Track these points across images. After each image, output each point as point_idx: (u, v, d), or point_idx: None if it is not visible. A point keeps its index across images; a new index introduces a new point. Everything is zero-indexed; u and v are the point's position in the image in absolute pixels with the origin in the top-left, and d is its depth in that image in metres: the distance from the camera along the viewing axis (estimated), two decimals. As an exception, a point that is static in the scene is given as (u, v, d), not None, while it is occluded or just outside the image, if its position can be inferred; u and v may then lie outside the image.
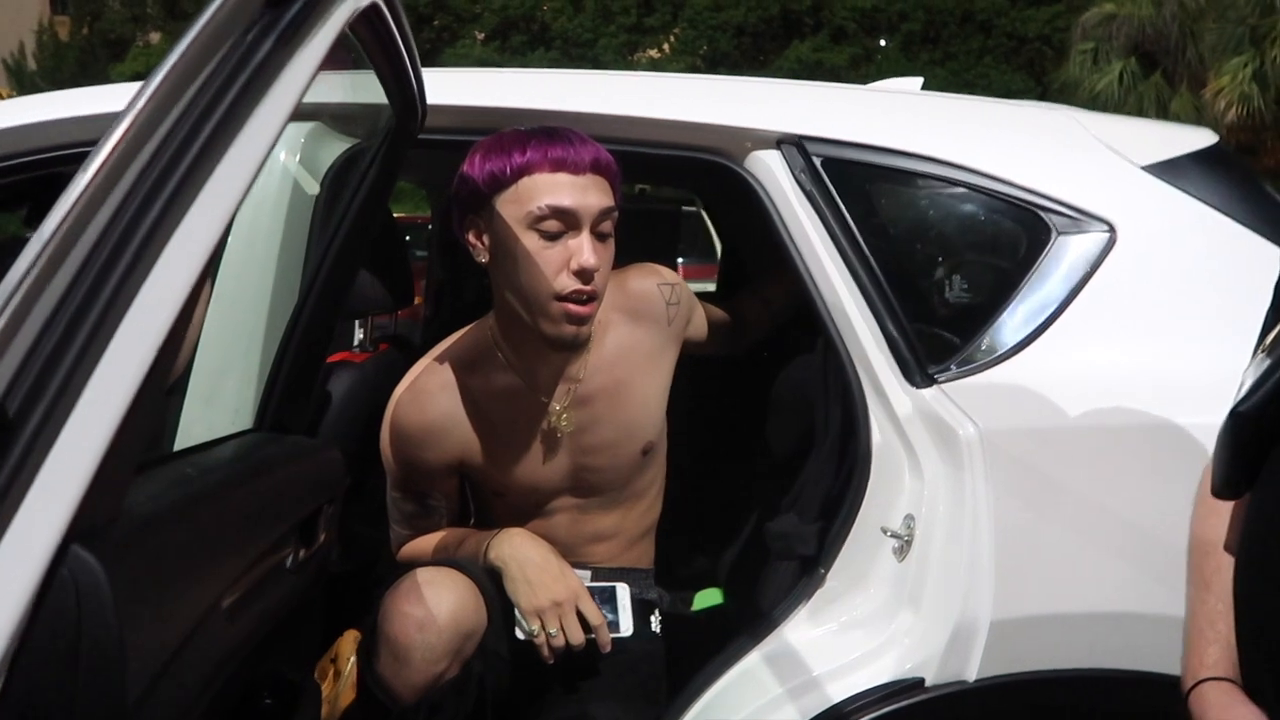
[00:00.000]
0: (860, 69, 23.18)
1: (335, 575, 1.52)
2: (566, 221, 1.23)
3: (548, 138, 1.24)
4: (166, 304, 0.59)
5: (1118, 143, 1.43)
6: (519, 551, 1.32)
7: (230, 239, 1.36)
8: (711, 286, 2.69)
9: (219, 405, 1.22)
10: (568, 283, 1.24)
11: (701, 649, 1.62)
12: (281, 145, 1.41)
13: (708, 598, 1.82)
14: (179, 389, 1.23)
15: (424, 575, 1.25)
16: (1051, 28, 23.25)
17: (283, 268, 1.41)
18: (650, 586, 1.57)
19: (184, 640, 0.67)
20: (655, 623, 1.55)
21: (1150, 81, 15.03)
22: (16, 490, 0.52)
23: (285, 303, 1.33)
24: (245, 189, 0.68)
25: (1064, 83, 15.84)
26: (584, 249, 1.23)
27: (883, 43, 25.27)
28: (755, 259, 2.42)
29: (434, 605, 1.21)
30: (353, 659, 1.62)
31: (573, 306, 1.24)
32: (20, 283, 0.58)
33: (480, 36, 25.18)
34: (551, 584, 1.30)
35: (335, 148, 1.45)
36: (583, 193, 1.23)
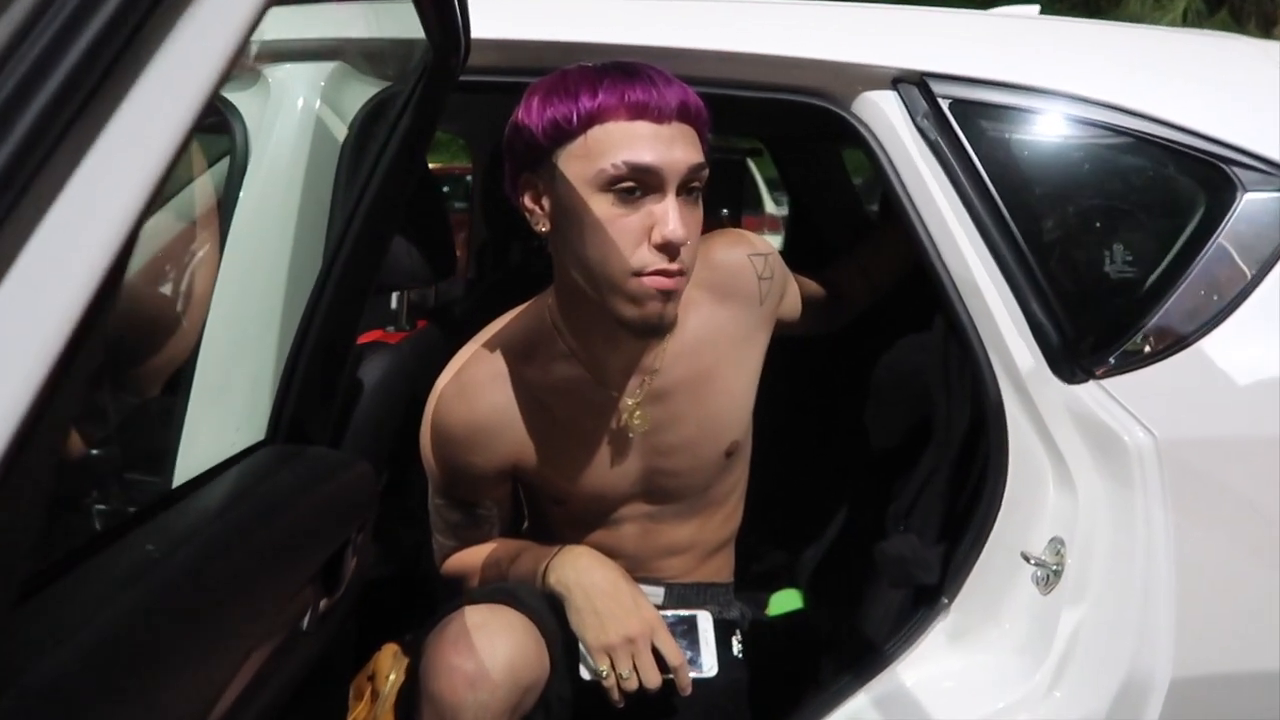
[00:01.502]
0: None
1: (372, 581, 1.34)
2: (648, 182, 0.99)
3: (624, 77, 0.99)
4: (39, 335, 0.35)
5: (1318, 79, 1.16)
6: (585, 576, 1.11)
7: (240, 203, 1.14)
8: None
9: (227, 409, 1.00)
10: (649, 258, 1.00)
11: (784, 668, 1.42)
12: (299, 88, 1.18)
13: (786, 600, 1.61)
14: (181, 387, 1.02)
15: (474, 617, 1.04)
16: (1108, -38, 22.18)
17: (303, 235, 1.19)
18: (731, 603, 1.36)
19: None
20: (736, 645, 1.34)
21: (1216, 19, 14.26)
22: None
23: (306, 278, 1.11)
24: (179, 134, 0.43)
25: (1122, 20, 15.09)
26: (669, 216, 0.98)
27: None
28: (836, 218, 2.17)
29: (487, 656, 1.00)
30: (392, 677, 1.44)
31: (657, 283, 1.01)
32: None
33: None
34: (624, 617, 1.08)
35: (361, 92, 1.22)
36: (668, 146, 0.99)
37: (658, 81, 0.99)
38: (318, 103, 1.19)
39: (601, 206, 0.99)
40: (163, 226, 1.17)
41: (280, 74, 1.18)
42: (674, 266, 1.00)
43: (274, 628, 0.70)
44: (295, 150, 1.17)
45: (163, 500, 0.71)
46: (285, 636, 0.71)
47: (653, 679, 1.09)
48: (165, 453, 0.92)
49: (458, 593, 1.28)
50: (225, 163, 1.16)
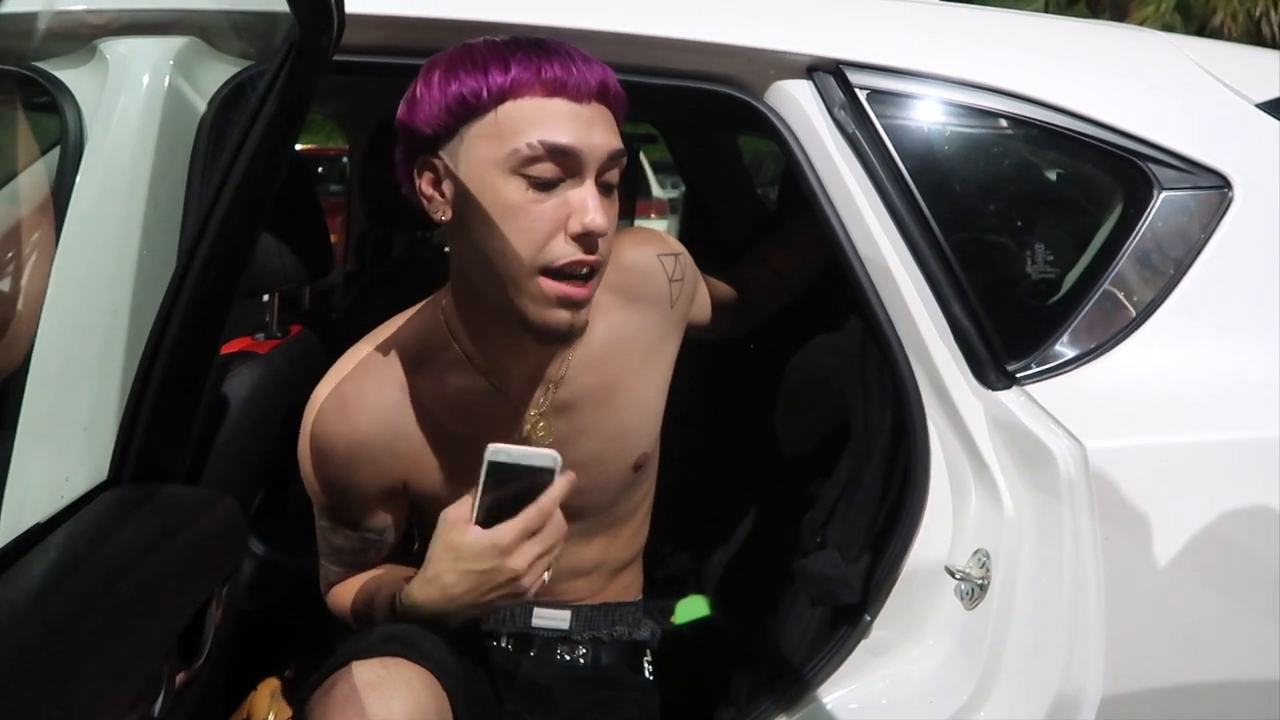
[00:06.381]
0: None
1: (246, 613, 1.20)
2: (565, 166, 0.90)
3: (539, 52, 0.89)
4: None
5: (1228, 75, 1.15)
6: (437, 584, 0.95)
7: (75, 196, 0.99)
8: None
9: (61, 445, 0.86)
10: (563, 250, 0.90)
11: (698, 686, 1.35)
12: (143, 65, 1.03)
13: (692, 607, 1.55)
14: (3, 419, 0.87)
15: (365, 675, 0.92)
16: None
17: (153, 233, 1.04)
18: (640, 622, 1.28)
19: None
20: (648, 667, 1.26)
21: (1075, 9, 14.74)
22: None
23: (157, 283, 0.96)
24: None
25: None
26: (588, 204, 0.89)
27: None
28: (733, 208, 2.11)
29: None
30: (271, 717, 1.32)
31: (566, 286, 0.91)
32: None
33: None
34: (487, 573, 0.92)
35: (218, 72, 1.07)
36: (587, 128, 0.89)
37: (575, 58, 0.89)
38: (166, 82, 1.04)
39: (513, 192, 0.89)
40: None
41: (121, 49, 1.02)
42: (591, 258, 0.90)
43: (116, 723, 0.58)
44: (141, 136, 1.02)
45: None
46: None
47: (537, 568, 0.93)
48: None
49: (345, 626, 1.16)
50: (56, 151, 1.00)
